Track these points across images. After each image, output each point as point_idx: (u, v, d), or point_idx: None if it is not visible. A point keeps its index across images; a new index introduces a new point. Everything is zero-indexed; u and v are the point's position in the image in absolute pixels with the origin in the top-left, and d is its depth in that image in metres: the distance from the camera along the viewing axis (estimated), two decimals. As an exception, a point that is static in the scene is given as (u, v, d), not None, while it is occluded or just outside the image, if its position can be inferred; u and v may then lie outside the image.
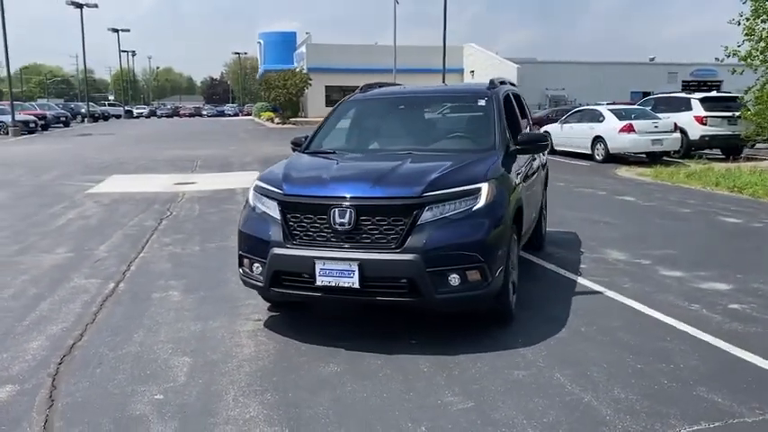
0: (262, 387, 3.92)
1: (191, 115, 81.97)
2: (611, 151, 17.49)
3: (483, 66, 49.77)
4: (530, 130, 7.32)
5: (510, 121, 6.12)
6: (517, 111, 6.39)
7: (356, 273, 4.28)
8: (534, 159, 6.47)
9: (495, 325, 4.87)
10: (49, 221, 9.80)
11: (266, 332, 4.88)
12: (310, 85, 47.81)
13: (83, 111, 53.65)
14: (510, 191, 4.89)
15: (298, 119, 48.31)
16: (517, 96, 7.12)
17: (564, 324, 4.96)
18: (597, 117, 18.46)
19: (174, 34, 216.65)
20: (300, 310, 5.34)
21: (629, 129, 17.11)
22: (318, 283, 4.38)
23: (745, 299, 5.56)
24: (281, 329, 4.93)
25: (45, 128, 38.33)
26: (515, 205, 4.94)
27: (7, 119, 33.86)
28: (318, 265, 4.36)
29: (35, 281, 6.38)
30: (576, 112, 20.48)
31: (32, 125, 35.65)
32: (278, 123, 46.88)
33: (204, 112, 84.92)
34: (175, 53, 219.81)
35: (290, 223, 4.54)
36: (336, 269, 4.33)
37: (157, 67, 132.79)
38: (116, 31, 63.17)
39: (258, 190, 4.88)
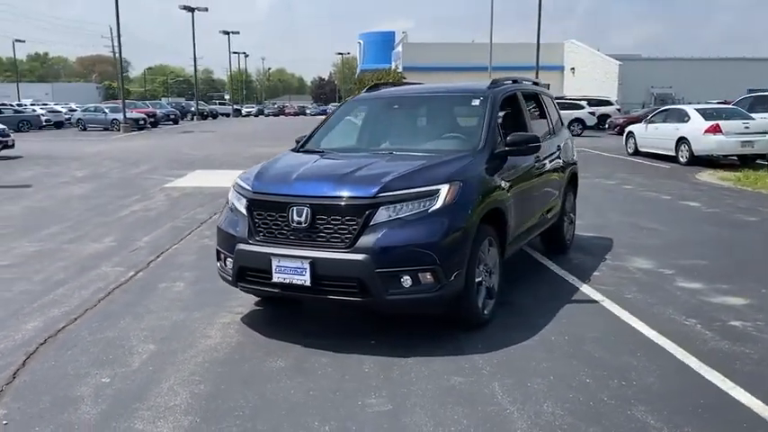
0: (201, 378, 4.07)
1: (295, 114, 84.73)
2: (695, 153, 16.42)
3: (584, 63, 48.13)
4: (554, 130, 7.05)
5: (513, 122, 5.97)
6: (525, 111, 6.18)
7: (307, 271, 4.35)
8: (543, 160, 6.24)
9: (463, 329, 4.77)
10: (114, 212, 10.51)
11: (238, 325, 5.05)
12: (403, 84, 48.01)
13: (192, 109, 56.82)
14: (482, 193, 4.78)
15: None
16: (534, 95, 6.92)
17: (538, 332, 4.79)
18: (683, 117, 17.39)
19: (287, 36, 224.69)
20: (284, 306, 5.47)
21: (716, 129, 16.00)
22: (275, 279, 4.49)
23: (753, 316, 5.12)
24: (254, 323, 5.09)
25: (155, 125, 40.95)
26: (488, 207, 4.81)
27: (119, 116, 36.53)
28: (275, 262, 4.46)
29: (67, 267, 6.90)
30: (661, 111, 19.40)
31: (141, 122, 38.21)
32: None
33: (308, 111, 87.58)
34: (288, 54, 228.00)
35: (255, 220, 4.67)
36: (290, 266, 4.41)
37: (269, 69, 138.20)
38: (227, 33, 66.34)
39: (235, 188, 5.05)
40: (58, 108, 43.84)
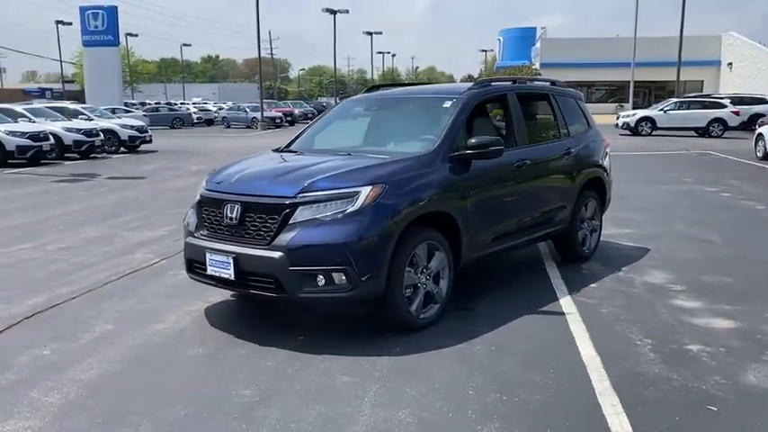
0: (122, 358, 4.44)
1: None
2: (826, 158, 14.57)
3: (742, 57, 43.97)
4: (568, 132, 6.70)
5: (499, 123, 5.82)
6: (513, 113, 5.92)
7: (231, 265, 4.58)
8: (537, 164, 5.98)
9: (393, 332, 4.76)
10: (190, 203, 11.37)
11: (197, 313, 5.38)
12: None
13: (331, 107, 59.27)
14: (415, 196, 4.72)
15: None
16: (545, 96, 6.64)
17: (468, 340, 4.65)
18: (817, 117, 15.46)
19: (441, 35, 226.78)
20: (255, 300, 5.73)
21: None
22: (208, 272, 4.78)
23: (725, 341, 4.61)
24: (212, 312, 5.41)
25: (291, 123, 43.23)
26: (424, 211, 4.75)
27: (258, 115, 39.07)
28: (208, 256, 4.75)
29: (107, 252, 7.66)
30: (793, 110, 17.35)
31: (278, 121, 40.57)
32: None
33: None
34: (440, 53, 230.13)
35: (203, 215, 5.00)
36: (218, 260, 4.68)
37: (416, 68, 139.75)
38: (369, 34, 68.32)
39: (201, 185, 5.40)
40: (209, 107, 47.78)
